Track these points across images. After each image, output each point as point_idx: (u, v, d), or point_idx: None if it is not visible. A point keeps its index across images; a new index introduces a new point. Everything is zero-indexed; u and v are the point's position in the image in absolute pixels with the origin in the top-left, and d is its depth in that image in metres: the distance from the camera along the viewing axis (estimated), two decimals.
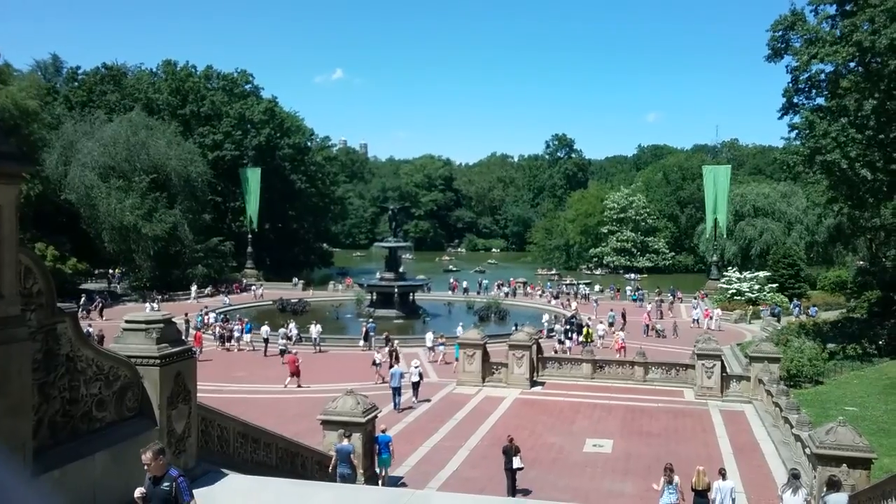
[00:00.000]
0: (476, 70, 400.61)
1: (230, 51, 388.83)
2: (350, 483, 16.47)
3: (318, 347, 42.10)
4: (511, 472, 19.45)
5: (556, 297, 69.51)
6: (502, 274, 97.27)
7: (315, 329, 42.93)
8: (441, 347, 39.38)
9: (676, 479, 16.87)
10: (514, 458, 19.40)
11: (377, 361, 34.67)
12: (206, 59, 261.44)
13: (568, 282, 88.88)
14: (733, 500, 17.05)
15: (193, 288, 66.06)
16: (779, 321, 53.93)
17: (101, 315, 51.23)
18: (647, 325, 50.02)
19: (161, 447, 8.70)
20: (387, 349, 36.05)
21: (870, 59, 36.45)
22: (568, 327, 46.20)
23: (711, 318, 53.68)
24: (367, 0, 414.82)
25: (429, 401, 30.34)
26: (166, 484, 8.45)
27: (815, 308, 59.53)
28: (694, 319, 54.76)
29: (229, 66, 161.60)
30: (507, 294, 70.67)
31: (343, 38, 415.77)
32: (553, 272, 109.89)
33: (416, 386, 30.15)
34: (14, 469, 7.66)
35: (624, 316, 52.15)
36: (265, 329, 41.93)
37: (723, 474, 17.52)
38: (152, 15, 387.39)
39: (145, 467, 8.52)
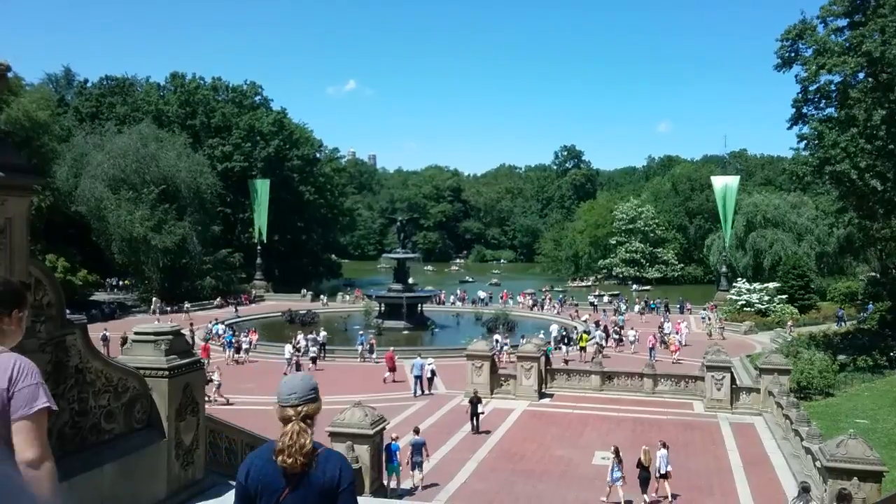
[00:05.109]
0: (484, 81, 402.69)
1: (246, 62, 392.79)
2: (420, 467, 20.51)
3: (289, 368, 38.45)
4: (475, 416, 26.70)
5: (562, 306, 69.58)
6: (511, 286, 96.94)
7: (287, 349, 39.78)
8: (506, 347, 42.89)
9: (621, 459, 19.73)
10: (477, 406, 26.74)
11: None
12: (219, 71, 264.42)
13: (596, 293, 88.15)
14: (667, 464, 20.11)
15: (186, 305, 61.92)
16: (843, 324, 55.06)
17: None
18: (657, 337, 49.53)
19: None
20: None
21: (879, 70, 36.33)
22: (602, 333, 48.13)
23: (680, 332, 51.34)
24: (381, 12, 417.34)
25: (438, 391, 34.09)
26: None
27: None
28: (665, 333, 51.68)
29: (244, 76, 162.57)
30: (530, 307, 70.70)
31: (356, 50, 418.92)
32: (584, 284, 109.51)
33: (430, 381, 34.04)
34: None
35: (664, 328, 51.37)
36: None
37: (664, 444, 20.41)
38: (164, 26, 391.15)
39: None
